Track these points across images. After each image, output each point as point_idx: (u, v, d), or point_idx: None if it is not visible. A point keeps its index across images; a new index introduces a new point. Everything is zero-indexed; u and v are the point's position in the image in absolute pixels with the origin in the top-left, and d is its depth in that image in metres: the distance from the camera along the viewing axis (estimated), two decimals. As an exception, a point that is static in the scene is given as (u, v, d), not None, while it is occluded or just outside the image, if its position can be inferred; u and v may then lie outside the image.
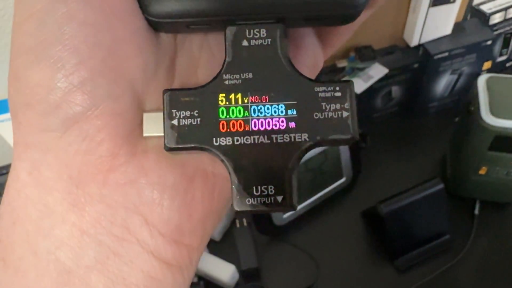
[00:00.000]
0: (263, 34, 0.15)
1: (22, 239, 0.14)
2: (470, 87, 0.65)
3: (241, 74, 0.15)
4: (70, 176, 0.14)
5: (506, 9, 0.71)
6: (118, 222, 0.14)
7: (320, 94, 0.15)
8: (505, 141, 0.58)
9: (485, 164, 0.62)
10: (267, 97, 0.14)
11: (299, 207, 0.66)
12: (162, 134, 0.14)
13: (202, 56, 0.16)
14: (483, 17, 0.72)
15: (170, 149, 0.14)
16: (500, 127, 0.56)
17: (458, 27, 0.71)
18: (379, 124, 0.78)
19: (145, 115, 0.15)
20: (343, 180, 0.68)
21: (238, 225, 0.65)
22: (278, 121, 0.14)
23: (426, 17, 0.67)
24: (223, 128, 0.14)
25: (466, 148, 0.63)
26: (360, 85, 0.67)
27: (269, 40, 0.15)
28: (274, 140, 0.14)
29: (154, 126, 0.15)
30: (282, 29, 0.15)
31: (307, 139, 0.14)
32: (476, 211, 0.67)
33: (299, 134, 0.14)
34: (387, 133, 0.78)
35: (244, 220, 0.65)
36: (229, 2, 0.14)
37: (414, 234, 0.65)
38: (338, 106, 0.14)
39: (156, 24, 0.15)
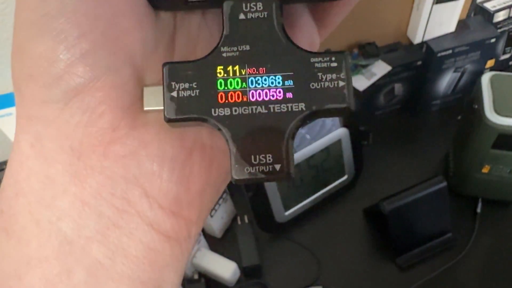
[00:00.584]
0: (259, 8, 0.15)
1: (25, 210, 0.15)
2: (473, 85, 0.65)
3: (239, 47, 0.15)
4: (72, 148, 0.15)
5: (510, 7, 0.71)
6: (118, 193, 0.15)
7: (316, 65, 0.15)
8: (509, 139, 0.57)
9: (488, 162, 0.61)
10: (264, 68, 0.15)
11: (301, 204, 0.65)
12: (163, 107, 0.15)
13: (200, 35, 0.17)
14: (487, 15, 0.71)
15: (169, 120, 0.15)
16: (503, 125, 0.56)
17: (462, 25, 0.70)
18: (382, 121, 0.77)
19: (145, 89, 0.15)
20: (345, 177, 0.68)
21: (239, 222, 0.65)
22: (276, 92, 0.15)
23: (430, 14, 0.67)
24: (221, 99, 0.15)
25: (469, 146, 0.63)
26: (363, 82, 0.67)
27: (265, 13, 0.15)
28: (272, 110, 0.15)
29: (154, 99, 0.15)
30: (277, 2, 0.15)
31: (304, 109, 0.15)
32: (479, 210, 0.67)
33: (296, 104, 0.15)
34: (390, 130, 0.77)
35: (246, 217, 0.65)
36: None
37: (416, 232, 0.64)
38: (334, 76, 0.15)
39: (155, 1, 0.15)
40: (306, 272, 0.64)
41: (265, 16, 0.15)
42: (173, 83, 0.15)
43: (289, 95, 0.15)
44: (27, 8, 0.14)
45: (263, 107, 0.15)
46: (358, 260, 0.65)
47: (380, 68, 0.68)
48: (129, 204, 0.15)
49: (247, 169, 0.14)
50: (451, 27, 0.70)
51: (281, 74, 0.15)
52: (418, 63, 0.70)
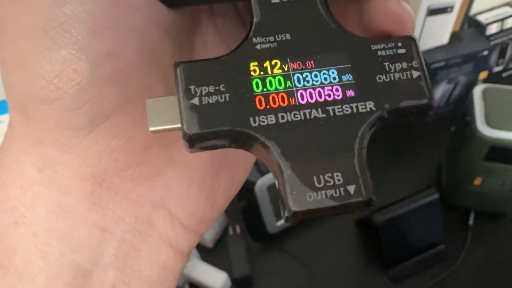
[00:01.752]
0: None
1: (28, 242, 0.13)
2: (466, 97, 0.65)
3: (276, 36, 0.12)
4: (93, 175, 0.13)
5: (502, 19, 0.72)
6: (143, 217, 0.14)
7: (379, 53, 0.12)
8: (501, 151, 0.57)
9: (480, 174, 0.61)
10: (312, 61, 0.12)
11: (293, 215, 0.65)
12: (176, 125, 0.11)
13: (213, 41, 0.15)
14: (480, 27, 0.72)
15: (191, 138, 0.11)
16: (495, 138, 0.56)
17: (455, 37, 0.71)
18: (375, 132, 0.77)
19: (149, 102, 0.12)
20: (337, 188, 0.68)
21: (231, 232, 0.65)
22: (332, 90, 0.12)
23: (423, 26, 0.67)
24: (260, 105, 0.11)
25: (461, 158, 0.63)
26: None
27: None
28: (332, 113, 0.11)
29: (163, 115, 0.12)
30: None
31: (373, 108, 0.12)
32: (471, 222, 0.67)
33: (362, 103, 0.12)
34: (383, 141, 0.77)
35: (237, 227, 0.65)
36: None
37: (408, 244, 0.64)
38: (404, 65, 0.12)
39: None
40: (298, 283, 0.64)
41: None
42: (192, 87, 0.11)
43: (351, 93, 0.12)
44: (33, 12, 0.11)
45: (318, 110, 0.11)
46: (350, 272, 0.65)
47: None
48: (152, 227, 0.14)
49: (310, 196, 0.11)
50: (444, 39, 0.70)
51: (336, 67, 0.12)
52: (411, 75, 0.71)
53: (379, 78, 0.12)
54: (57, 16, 0.11)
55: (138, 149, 0.13)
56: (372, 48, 0.12)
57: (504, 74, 0.79)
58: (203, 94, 0.11)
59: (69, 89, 0.12)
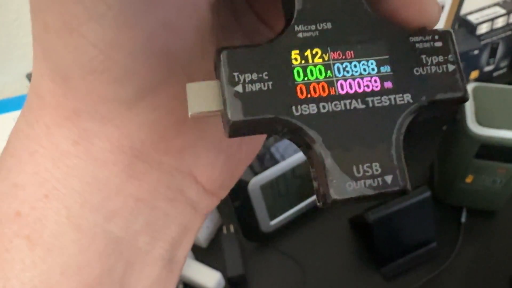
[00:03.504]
0: None
1: (59, 214, 0.13)
2: (457, 96, 0.66)
3: (318, 25, 0.12)
4: (131, 148, 0.13)
5: (493, 19, 0.72)
6: (173, 186, 0.14)
7: (417, 45, 0.12)
8: (491, 149, 0.58)
9: (471, 172, 0.62)
10: (352, 52, 0.12)
11: (286, 214, 0.65)
12: (216, 109, 0.12)
13: (249, 23, 0.15)
14: (470, 27, 0.72)
15: (234, 125, 0.11)
16: (486, 136, 0.57)
17: (446, 36, 0.71)
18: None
19: (189, 86, 0.12)
20: (330, 187, 0.68)
21: (225, 231, 0.65)
22: (371, 81, 0.12)
23: (414, 26, 0.67)
24: (301, 94, 0.11)
25: (452, 156, 0.63)
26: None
27: None
28: (371, 104, 0.12)
29: (203, 100, 0.12)
30: None
31: (411, 100, 0.12)
32: (463, 219, 0.68)
33: (400, 95, 0.12)
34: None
35: (231, 227, 0.65)
36: None
37: (401, 242, 0.65)
38: (441, 58, 0.12)
39: None
40: (291, 282, 0.64)
41: None
42: (236, 74, 0.11)
43: (388, 84, 0.12)
44: None
45: (358, 101, 0.12)
46: (343, 270, 0.65)
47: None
48: (180, 194, 0.14)
49: (350, 185, 0.11)
50: (435, 39, 0.71)
51: (375, 58, 0.12)
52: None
53: (416, 71, 0.12)
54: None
55: (175, 123, 0.13)
56: (410, 40, 0.12)
57: (495, 74, 0.80)
58: (247, 81, 0.11)
59: (120, 59, 0.11)
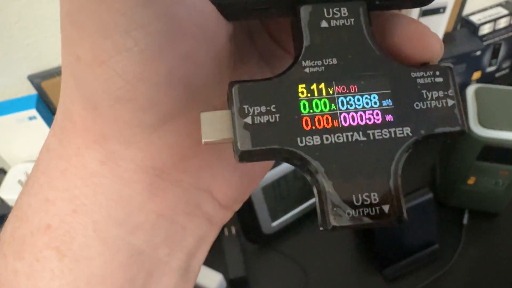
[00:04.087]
0: (344, 14, 0.13)
1: (87, 228, 0.14)
2: (459, 97, 0.65)
3: (324, 60, 0.13)
4: (153, 168, 0.14)
5: (495, 20, 0.72)
6: (191, 202, 0.15)
7: (418, 81, 0.13)
8: (493, 151, 0.58)
9: (473, 174, 0.62)
10: (356, 86, 0.12)
11: (288, 215, 0.65)
12: (227, 138, 0.12)
13: (268, 55, 0.16)
14: (473, 28, 0.72)
15: (242, 154, 0.12)
16: (488, 138, 0.56)
17: (448, 37, 0.71)
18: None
19: (203, 115, 0.13)
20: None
21: (226, 233, 0.65)
22: (372, 114, 0.12)
23: (416, 27, 0.67)
24: (307, 126, 0.12)
25: (454, 158, 0.63)
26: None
27: (352, 19, 0.13)
28: (372, 137, 0.12)
29: (216, 128, 0.13)
30: (365, 6, 0.13)
31: (410, 134, 0.12)
32: (465, 221, 0.67)
33: (400, 128, 0.12)
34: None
35: (233, 228, 0.65)
36: None
37: (403, 244, 0.64)
38: (441, 93, 0.13)
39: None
40: (293, 284, 0.64)
41: (352, 23, 0.13)
42: (245, 106, 0.12)
43: (389, 117, 0.12)
44: (115, 11, 0.11)
45: (360, 133, 0.12)
46: (345, 272, 0.65)
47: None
48: (198, 209, 0.16)
49: (349, 213, 0.12)
50: (437, 40, 0.70)
51: (377, 92, 0.12)
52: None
53: (417, 105, 0.12)
54: (140, 18, 0.12)
55: (193, 144, 0.14)
56: (412, 76, 0.13)
57: (497, 74, 0.80)
58: (256, 113, 0.12)
59: (145, 89, 0.12)
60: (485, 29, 0.72)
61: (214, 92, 0.14)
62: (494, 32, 0.73)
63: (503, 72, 0.80)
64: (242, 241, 0.65)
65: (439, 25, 0.68)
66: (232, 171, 0.16)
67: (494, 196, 0.64)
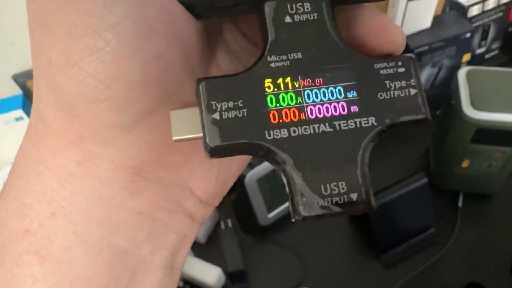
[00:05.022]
0: (307, 8, 0.13)
1: (67, 230, 0.14)
2: (450, 80, 0.65)
3: (289, 55, 0.13)
4: (132, 166, 0.14)
5: (483, 1, 0.72)
6: (172, 199, 0.15)
7: (381, 71, 0.13)
8: (487, 133, 0.58)
9: (467, 156, 0.62)
10: (321, 79, 0.13)
11: (284, 206, 0.65)
12: (197, 135, 0.13)
13: (240, 48, 0.17)
14: (462, 10, 0.72)
15: (212, 149, 0.12)
16: (481, 120, 0.56)
17: (437, 20, 0.71)
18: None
19: (172, 113, 0.13)
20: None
21: (223, 226, 0.64)
22: (338, 106, 0.13)
23: (405, 11, 0.67)
24: (274, 119, 0.12)
25: (448, 142, 0.63)
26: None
27: (315, 14, 0.13)
28: (338, 128, 0.13)
29: (185, 126, 0.13)
30: (328, 1, 0.13)
31: (375, 123, 0.13)
32: (460, 204, 0.68)
33: (365, 118, 0.13)
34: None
35: (229, 221, 0.65)
36: None
37: (399, 229, 0.65)
38: (403, 83, 0.13)
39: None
40: (292, 274, 0.64)
41: (315, 17, 0.13)
42: (213, 102, 0.12)
43: (355, 108, 0.13)
44: (84, 13, 0.12)
45: (326, 124, 0.13)
46: (342, 260, 0.65)
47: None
48: (179, 205, 0.16)
49: (318, 203, 0.12)
50: (427, 23, 0.70)
51: (342, 84, 0.13)
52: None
53: (381, 95, 0.13)
54: (110, 18, 0.12)
55: (170, 142, 0.14)
56: (375, 67, 0.13)
57: (487, 56, 0.80)
58: (223, 109, 0.13)
59: (119, 89, 0.13)
60: (473, 11, 0.72)
61: (187, 89, 0.14)
62: (483, 13, 0.73)
63: (492, 54, 0.80)
64: (239, 234, 0.64)
65: (428, 8, 0.68)
66: (210, 167, 0.16)
67: (489, 178, 0.65)
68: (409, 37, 0.70)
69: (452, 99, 0.60)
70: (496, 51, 0.80)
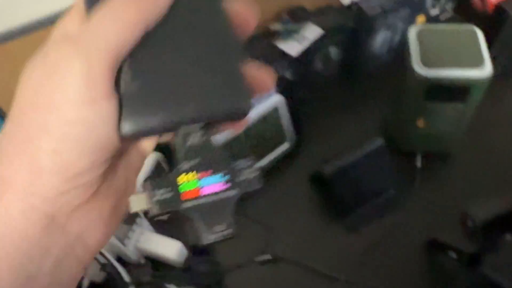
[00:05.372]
0: (201, 134, 0.21)
1: None
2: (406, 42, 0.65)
3: (191, 161, 0.21)
4: (47, 213, 0.20)
5: (434, -39, 0.72)
6: (69, 243, 0.20)
7: (239, 165, 0.22)
8: (439, 90, 0.58)
9: (422, 115, 0.62)
10: (210, 171, 0.21)
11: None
12: (146, 207, 0.21)
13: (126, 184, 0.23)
14: (413, -29, 0.71)
15: (154, 215, 0.21)
16: (432, 77, 0.57)
17: (389, -18, 0.70)
18: (323, 88, 0.77)
19: (131, 197, 0.21)
20: (286, 145, 0.67)
21: (183, 201, 0.64)
22: (218, 185, 0.21)
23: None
24: (185, 197, 0.21)
25: (403, 101, 0.63)
26: (295, 47, 0.66)
27: (204, 139, 0.21)
28: (219, 197, 0.21)
29: (138, 203, 0.21)
30: (207, 128, 0.21)
31: (237, 193, 0.21)
32: (419, 164, 0.68)
33: (233, 191, 0.21)
34: (330, 96, 0.77)
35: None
36: (179, 122, 0.20)
37: (360, 192, 0.65)
38: (250, 170, 0.22)
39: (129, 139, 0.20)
40: (256, 244, 0.64)
41: (204, 141, 0.21)
42: (154, 191, 0.21)
43: (227, 185, 0.21)
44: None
45: (213, 196, 0.21)
46: (307, 226, 0.66)
47: (312, 32, 0.67)
48: (72, 249, 0.21)
49: (211, 236, 0.21)
50: (379, -14, 0.69)
51: (221, 173, 0.21)
52: (349, 25, 0.70)
53: (241, 179, 0.22)
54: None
55: (79, 203, 0.20)
56: (235, 164, 0.22)
57: (442, 17, 0.80)
58: (160, 193, 0.21)
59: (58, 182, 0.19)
60: (425, -28, 0.72)
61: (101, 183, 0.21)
62: (435, -27, 0.73)
63: (447, 15, 0.81)
64: (200, 207, 0.63)
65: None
66: (101, 222, 0.21)
67: (446, 136, 0.65)
68: (363, 1, 0.69)
69: (404, 59, 0.60)
70: (451, 13, 0.81)
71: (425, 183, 0.67)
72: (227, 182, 0.21)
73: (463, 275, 0.54)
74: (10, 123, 0.19)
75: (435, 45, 0.59)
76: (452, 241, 0.59)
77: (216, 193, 0.21)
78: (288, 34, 0.66)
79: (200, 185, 0.21)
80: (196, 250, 0.61)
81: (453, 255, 0.56)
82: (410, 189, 0.67)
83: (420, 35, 0.60)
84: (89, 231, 0.21)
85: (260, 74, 0.21)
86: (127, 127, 0.19)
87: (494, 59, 0.58)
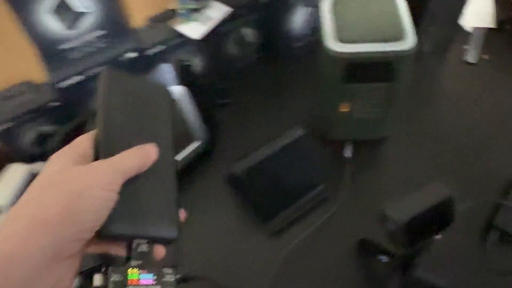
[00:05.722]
0: (146, 245, 0.28)
1: None
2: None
3: (138, 261, 0.27)
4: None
5: None
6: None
7: (163, 272, 0.28)
8: (359, 68, 0.50)
9: (344, 98, 0.54)
10: (146, 270, 0.27)
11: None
12: (103, 284, 0.26)
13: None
14: None
15: None
16: (350, 53, 0.49)
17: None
18: (244, 74, 0.69)
19: (95, 275, 0.26)
20: (197, 144, 0.58)
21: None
22: (150, 281, 0.27)
23: None
24: (129, 283, 0.27)
25: (323, 84, 0.56)
26: (199, 28, 0.57)
27: (149, 248, 0.28)
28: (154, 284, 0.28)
29: (98, 280, 0.26)
30: (152, 242, 0.29)
31: (174, 277, 0.28)
32: (348, 154, 0.61)
33: (156, 285, 0.27)
34: (250, 84, 0.69)
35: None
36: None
37: (283, 192, 0.57)
38: (172, 277, 0.28)
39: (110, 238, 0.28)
40: (170, 255, 0.54)
41: (149, 248, 0.28)
42: (112, 274, 0.26)
43: (154, 282, 0.27)
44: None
45: (145, 286, 0.27)
46: (226, 233, 0.57)
47: (218, 11, 0.58)
48: None
49: None
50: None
51: (152, 273, 0.27)
52: (262, 2, 0.62)
53: (164, 278, 0.28)
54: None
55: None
56: (163, 271, 0.28)
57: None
58: (115, 277, 0.26)
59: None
60: None
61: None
62: None
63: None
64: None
65: None
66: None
67: (375, 122, 0.58)
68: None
69: (317, 36, 0.52)
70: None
71: (356, 176, 0.60)
72: (155, 280, 0.27)
73: (396, 279, 0.47)
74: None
75: (352, 18, 0.51)
76: (385, 242, 0.52)
77: (147, 285, 0.27)
78: (188, 14, 0.57)
79: (139, 277, 0.27)
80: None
81: (385, 258, 0.48)
82: (339, 184, 0.59)
83: (334, 7, 0.52)
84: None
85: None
86: (113, 227, 0.26)
87: (425, 32, 0.51)
